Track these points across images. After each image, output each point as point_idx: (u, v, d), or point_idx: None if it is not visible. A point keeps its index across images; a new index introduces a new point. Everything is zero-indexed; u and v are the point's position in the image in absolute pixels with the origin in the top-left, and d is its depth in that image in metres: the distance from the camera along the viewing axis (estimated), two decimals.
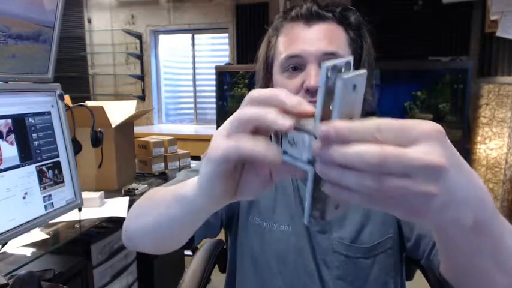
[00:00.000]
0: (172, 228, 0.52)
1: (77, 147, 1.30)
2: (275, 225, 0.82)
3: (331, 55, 0.72)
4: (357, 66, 0.80)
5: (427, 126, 0.31)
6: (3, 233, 0.90)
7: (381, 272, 0.81)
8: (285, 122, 0.34)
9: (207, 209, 0.46)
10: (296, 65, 0.74)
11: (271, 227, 0.83)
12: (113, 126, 1.71)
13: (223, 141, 0.37)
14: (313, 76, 0.71)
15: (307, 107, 0.35)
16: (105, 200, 1.59)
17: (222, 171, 0.39)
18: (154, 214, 0.55)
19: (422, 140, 0.30)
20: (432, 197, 0.31)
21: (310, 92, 0.71)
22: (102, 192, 1.58)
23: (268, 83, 0.82)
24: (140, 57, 4.69)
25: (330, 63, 0.33)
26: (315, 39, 0.73)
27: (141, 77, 4.73)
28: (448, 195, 0.31)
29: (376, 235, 0.80)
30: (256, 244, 0.84)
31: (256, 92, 0.37)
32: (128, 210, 1.50)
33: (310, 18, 0.76)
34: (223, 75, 4.02)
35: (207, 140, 3.15)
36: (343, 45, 0.75)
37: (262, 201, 0.84)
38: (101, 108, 1.63)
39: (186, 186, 0.46)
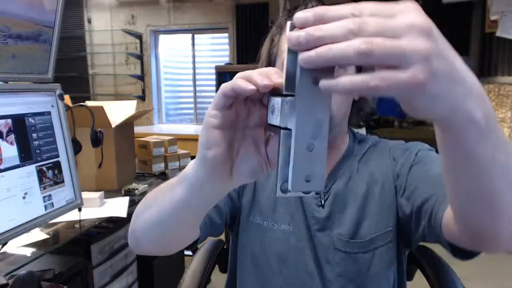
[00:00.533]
0: (177, 212, 0.52)
1: (77, 147, 1.30)
2: (276, 225, 0.83)
3: None
4: (358, 66, 0.80)
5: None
6: (3, 233, 0.90)
7: (381, 266, 0.81)
8: (263, 79, 0.38)
9: (208, 185, 0.45)
10: None
11: (272, 226, 0.83)
12: (113, 126, 1.71)
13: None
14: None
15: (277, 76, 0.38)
16: (105, 200, 1.59)
17: (217, 128, 0.41)
18: (158, 203, 0.55)
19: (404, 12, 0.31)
20: (426, 54, 0.30)
21: None
22: (102, 192, 1.58)
23: None
24: (140, 57, 4.69)
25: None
26: None
27: (141, 77, 4.73)
28: (441, 56, 0.31)
29: (374, 229, 0.80)
30: (256, 243, 0.84)
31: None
32: (128, 210, 1.50)
33: None
34: (223, 75, 4.01)
35: None
36: None
37: (262, 201, 0.84)
38: (101, 108, 1.63)
39: (187, 167, 0.48)
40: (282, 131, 0.37)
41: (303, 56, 0.32)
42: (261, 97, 0.41)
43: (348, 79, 0.31)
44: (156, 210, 0.55)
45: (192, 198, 0.48)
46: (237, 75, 0.40)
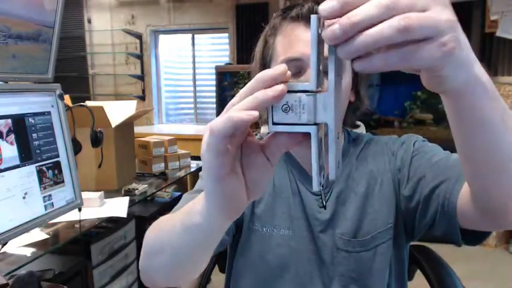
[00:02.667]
0: (192, 259, 0.52)
1: (77, 147, 1.30)
2: (275, 230, 0.82)
3: None
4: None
5: None
6: (3, 233, 0.90)
7: (383, 264, 0.81)
8: (277, 89, 0.35)
9: (223, 224, 0.45)
10: (295, 68, 0.73)
11: (272, 232, 0.82)
12: (113, 126, 1.72)
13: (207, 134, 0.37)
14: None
15: (287, 71, 0.36)
16: (105, 200, 1.59)
17: (226, 177, 0.37)
18: (169, 251, 0.53)
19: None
20: (453, 24, 0.32)
21: None
22: (102, 192, 1.58)
23: None
24: (140, 57, 4.69)
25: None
26: None
27: (141, 77, 4.73)
28: (459, 26, 0.33)
29: (375, 226, 0.80)
30: (256, 250, 0.83)
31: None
32: (128, 210, 1.50)
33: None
34: (223, 75, 4.01)
35: None
36: None
37: (261, 206, 0.83)
38: (101, 108, 1.63)
39: (193, 214, 0.45)
40: (313, 126, 0.36)
41: (344, 48, 0.32)
42: None
43: (382, 56, 0.31)
44: (170, 258, 0.53)
45: (205, 242, 0.48)
46: (231, 107, 0.36)
